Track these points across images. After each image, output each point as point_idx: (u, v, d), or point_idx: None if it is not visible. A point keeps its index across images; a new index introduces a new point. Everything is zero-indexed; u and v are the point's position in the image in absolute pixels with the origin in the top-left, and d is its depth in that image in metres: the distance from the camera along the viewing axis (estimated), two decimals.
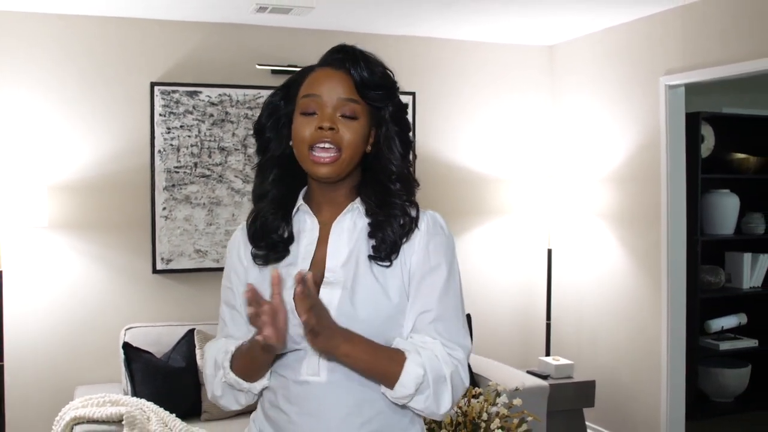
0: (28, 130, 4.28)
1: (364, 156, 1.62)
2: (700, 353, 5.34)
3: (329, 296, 1.55)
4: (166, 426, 3.64)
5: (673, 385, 4.49)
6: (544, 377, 4.63)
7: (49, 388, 4.30)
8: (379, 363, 1.51)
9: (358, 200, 1.63)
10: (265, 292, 1.47)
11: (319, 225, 1.64)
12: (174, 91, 4.50)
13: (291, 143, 1.61)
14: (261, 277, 1.63)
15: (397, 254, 1.58)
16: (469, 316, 4.62)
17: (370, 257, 1.58)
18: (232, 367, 1.59)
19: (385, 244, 1.57)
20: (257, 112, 4.69)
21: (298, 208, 1.66)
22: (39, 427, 4.21)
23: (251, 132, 1.70)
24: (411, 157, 1.65)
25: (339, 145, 1.54)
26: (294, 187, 1.67)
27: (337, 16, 4.49)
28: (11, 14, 4.22)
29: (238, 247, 1.69)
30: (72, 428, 3.58)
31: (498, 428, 2.23)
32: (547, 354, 5.12)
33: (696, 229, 5.18)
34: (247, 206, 4.43)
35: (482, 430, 2.28)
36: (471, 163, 5.23)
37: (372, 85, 1.58)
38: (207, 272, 4.54)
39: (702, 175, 5.25)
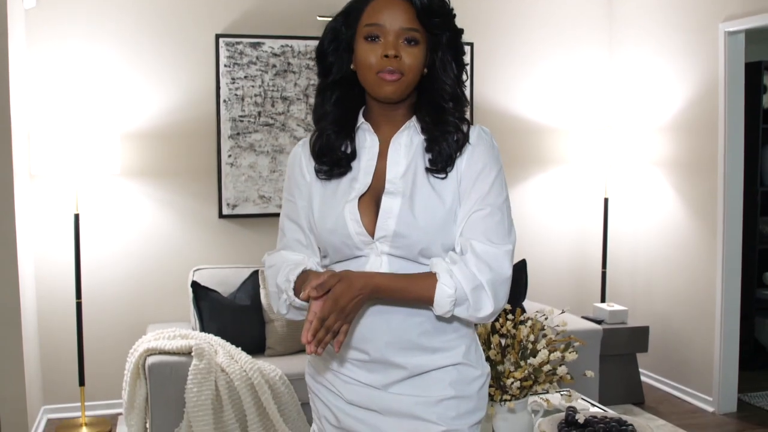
0: (101, 81, 4.49)
1: (420, 77, 1.72)
2: (757, 305, 5.32)
3: (390, 204, 1.68)
4: (232, 359, 3.84)
5: (727, 334, 4.52)
6: (599, 322, 4.70)
7: (122, 326, 4.56)
8: (412, 291, 1.63)
9: (414, 118, 1.74)
10: (329, 203, 1.69)
11: (379, 142, 1.75)
12: (238, 43, 4.65)
13: (351, 66, 1.72)
14: (324, 191, 1.76)
15: (452, 167, 1.69)
16: (524, 262, 4.72)
17: (427, 169, 1.70)
18: (296, 293, 1.68)
19: (441, 158, 1.69)
20: None
21: (359, 126, 1.77)
22: (113, 359, 4.48)
23: (313, 82, 1.81)
24: (464, 78, 1.76)
25: (402, 70, 1.66)
26: (353, 108, 1.78)
27: None
28: None
29: (300, 163, 1.81)
30: (145, 359, 3.80)
31: (544, 348, 2.34)
32: (602, 301, 5.18)
33: (756, 180, 5.14)
34: None
35: (529, 351, 2.39)
36: (529, 113, 5.27)
37: (431, 12, 1.68)
38: (271, 217, 4.72)
39: (763, 126, 5.18)
